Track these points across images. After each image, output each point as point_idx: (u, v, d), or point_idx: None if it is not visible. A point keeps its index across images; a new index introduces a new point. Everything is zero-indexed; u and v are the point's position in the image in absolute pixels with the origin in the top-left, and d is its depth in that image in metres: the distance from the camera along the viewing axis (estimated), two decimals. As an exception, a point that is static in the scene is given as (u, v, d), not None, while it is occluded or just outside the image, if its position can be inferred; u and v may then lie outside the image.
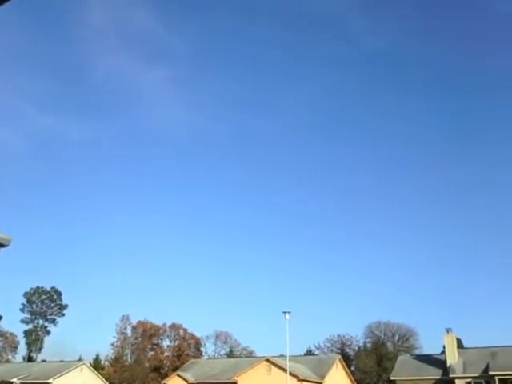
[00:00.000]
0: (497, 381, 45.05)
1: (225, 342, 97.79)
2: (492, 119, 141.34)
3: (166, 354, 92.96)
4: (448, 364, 49.62)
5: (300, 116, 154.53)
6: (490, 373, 45.45)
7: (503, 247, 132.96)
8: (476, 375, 46.96)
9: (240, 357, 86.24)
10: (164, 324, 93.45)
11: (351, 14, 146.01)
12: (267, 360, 55.60)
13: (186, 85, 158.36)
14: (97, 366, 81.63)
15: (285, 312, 44.75)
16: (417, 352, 79.70)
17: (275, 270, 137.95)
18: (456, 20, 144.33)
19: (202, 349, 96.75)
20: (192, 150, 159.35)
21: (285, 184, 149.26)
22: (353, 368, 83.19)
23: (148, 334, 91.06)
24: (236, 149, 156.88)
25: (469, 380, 47.08)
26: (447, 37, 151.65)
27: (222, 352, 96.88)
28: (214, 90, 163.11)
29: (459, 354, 51.32)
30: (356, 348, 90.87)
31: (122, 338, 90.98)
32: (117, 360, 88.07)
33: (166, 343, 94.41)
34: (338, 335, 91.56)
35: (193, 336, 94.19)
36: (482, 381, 46.35)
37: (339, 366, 61.60)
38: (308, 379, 53.18)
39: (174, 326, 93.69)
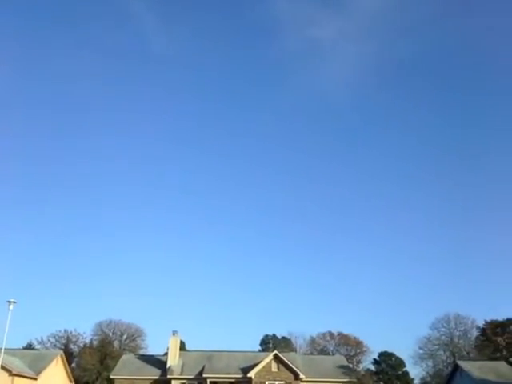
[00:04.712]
0: (208, 383, 48.77)
1: None
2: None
3: None
4: (168, 365, 51.75)
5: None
6: (204, 375, 48.98)
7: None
8: (191, 377, 49.99)
9: None
10: None
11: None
12: (-24, 352, 49.86)
13: None
14: None
15: (9, 301, 40.78)
16: (142, 352, 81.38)
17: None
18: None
19: None
20: None
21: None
22: (75, 365, 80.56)
23: None
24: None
25: (184, 381, 49.84)
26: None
27: None
28: None
29: (181, 355, 54.04)
30: (82, 345, 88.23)
31: None
32: None
33: None
34: (65, 330, 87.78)
35: None
36: (196, 382, 49.54)
37: (59, 362, 58.85)
38: (21, 374, 49.44)
39: None
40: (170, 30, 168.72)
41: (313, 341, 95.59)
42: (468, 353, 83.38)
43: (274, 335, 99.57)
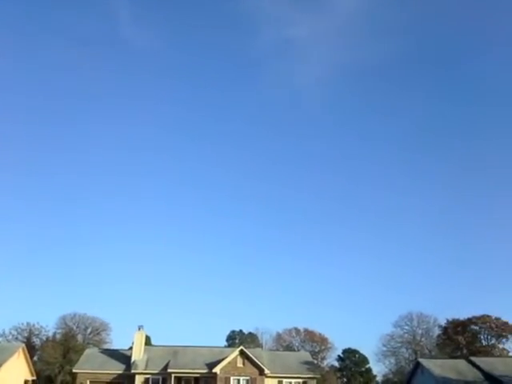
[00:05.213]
0: (173, 378, 48.52)
1: None
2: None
3: None
4: (133, 360, 51.26)
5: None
6: (169, 370, 48.65)
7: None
8: (156, 372, 49.57)
9: None
10: None
11: None
12: None
13: None
14: None
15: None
16: (107, 346, 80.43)
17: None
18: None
19: None
20: None
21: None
22: (37, 358, 79.09)
23: None
24: None
25: (148, 376, 49.44)
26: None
27: None
28: None
29: (146, 350, 53.53)
30: (44, 338, 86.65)
31: None
32: None
33: None
34: (28, 323, 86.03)
35: None
36: (160, 377, 49.20)
37: (21, 355, 57.63)
38: (-19, 368, 48.34)
39: None
40: (144, 21, 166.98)
41: (279, 337, 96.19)
42: (430, 351, 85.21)
43: (240, 331, 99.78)
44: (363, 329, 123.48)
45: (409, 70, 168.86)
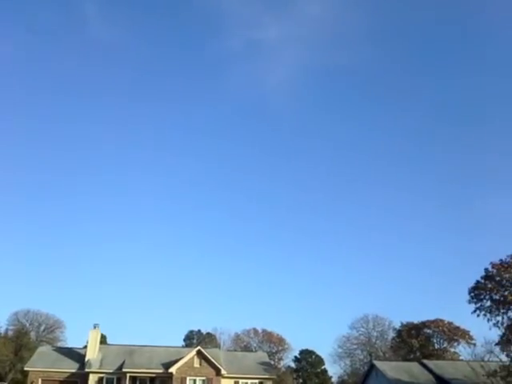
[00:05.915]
0: (128, 378, 47.83)
1: None
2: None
3: None
4: (87, 358, 50.27)
5: None
6: (124, 370, 47.92)
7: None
8: (110, 371, 48.72)
9: None
10: None
11: None
12: None
13: None
14: None
15: None
16: (61, 344, 78.75)
17: None
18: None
19: None
20: None
21: None
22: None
23: None
24: None
25: (102, 375, 48.56)
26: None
27: None
28: None
29: (101, 349, 52.52)
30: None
31: None
32: None
33: None
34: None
35: None
36: (115, 377, 48.36)
37: (-30, 352, 56.08)
38: None
39: None
40: (110, 17, 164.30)
41: (237, 337, 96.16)
42: (384, 353, 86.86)
43: (199, 331, 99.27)
44: (320, 330, 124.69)
45: (376, 73, 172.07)
